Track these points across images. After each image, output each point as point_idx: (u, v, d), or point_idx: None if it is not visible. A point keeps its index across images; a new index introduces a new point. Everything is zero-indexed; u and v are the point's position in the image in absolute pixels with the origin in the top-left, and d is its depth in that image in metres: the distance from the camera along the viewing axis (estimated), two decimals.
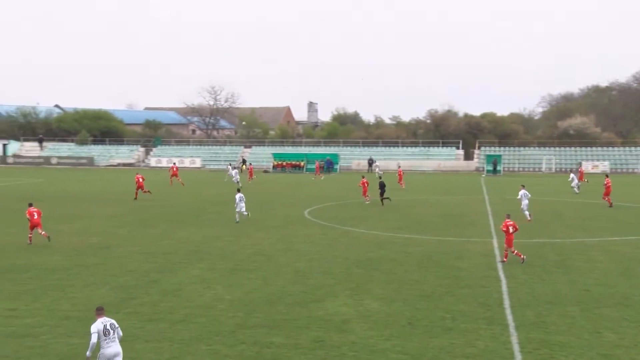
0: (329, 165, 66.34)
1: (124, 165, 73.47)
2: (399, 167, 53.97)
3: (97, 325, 10.15)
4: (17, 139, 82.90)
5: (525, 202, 29.45)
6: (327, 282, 17.29)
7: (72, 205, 34.46)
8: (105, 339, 10.13)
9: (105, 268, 19.03)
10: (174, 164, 55.49)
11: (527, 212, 29.05)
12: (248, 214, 28.80)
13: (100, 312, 10.44)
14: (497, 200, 38.23)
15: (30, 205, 23.84)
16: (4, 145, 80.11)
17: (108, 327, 10.19)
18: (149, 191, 38.89)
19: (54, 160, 74.91)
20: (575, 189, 42.44)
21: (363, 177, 38.16)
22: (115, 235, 24.84)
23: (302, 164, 64.26)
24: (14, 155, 77.19)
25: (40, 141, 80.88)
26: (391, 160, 70.89)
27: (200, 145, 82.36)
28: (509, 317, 14.13)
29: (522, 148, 72.77)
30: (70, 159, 75.89)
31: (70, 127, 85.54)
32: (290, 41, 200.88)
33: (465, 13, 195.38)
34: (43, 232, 22.93)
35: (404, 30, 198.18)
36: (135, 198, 38.00)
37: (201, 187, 46.67)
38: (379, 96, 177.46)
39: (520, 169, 68.87)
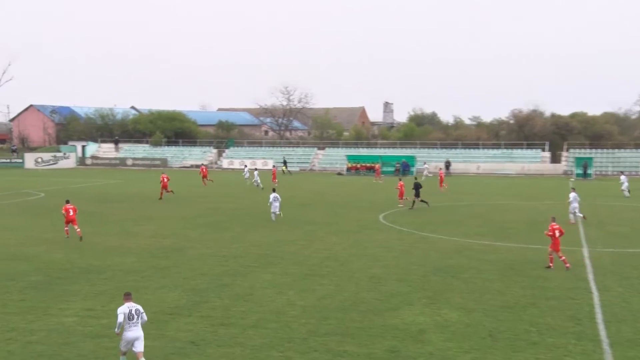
0: (404, 167, 65.62)
1: (197, 166, 75.57)
2: (440, 169, 54.79)
3: (122, 309, 11.50)
4: (95, 141, 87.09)
5: (574, 205, 29.39)
6: (403, 290, 17.09)
7: (146, 207, 35.82)
8: (129, 323, 11.39)
9: (178, 270, 19.64)
10: (203, 164, 58.84)
11: (577, 215, 29.24)
12: (281, 214, 30.07)
13: (127, 297, 11.85)
14: (588, 205, 36.59)
15: (67, 202, 26.07)
16: (83, 146, 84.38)
17: (133, 312, 11.49)
18: (172, 191, 40.43)
19: (129, 162, 78.11)
20: (626, 192, 41.98)
21: (400, 180, 38.82)
22: (188, 238, 25.60)
23: (377, 166, 63.97)
24: (92, 157, 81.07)
25: (117, 142, 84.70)
26: (470, 163, 69.31)
27: (273, 146, 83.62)
28: (602, 333, 13.46)
29: (616, 150, 69.36)
30: (144, 160, 78.90)
31: (145, 128, 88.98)
32: (365, 40, 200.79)
33: (555, 5, 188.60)
34: (78, 230, 24.75)
35: (485, 25, 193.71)
36: (160, 198, 39.54)
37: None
38: (458, 95, 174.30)
39: (615, 173, 65.63)
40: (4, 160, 75.79)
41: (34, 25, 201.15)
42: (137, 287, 17.44)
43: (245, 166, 59.53)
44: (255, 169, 51.63)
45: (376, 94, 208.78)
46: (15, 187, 47.71)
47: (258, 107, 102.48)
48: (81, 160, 79.76)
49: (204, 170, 52.71)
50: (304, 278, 18.56)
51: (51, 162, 75.83)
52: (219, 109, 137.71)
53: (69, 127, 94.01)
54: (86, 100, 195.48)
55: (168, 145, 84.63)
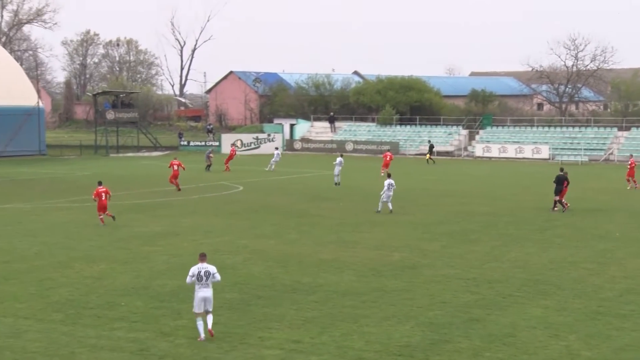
0: None
1: (439, 154, 75.78)
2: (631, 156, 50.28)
3: (193, 270, 16.19)
4: (307, 118, 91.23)
5: None
6: None
7: (369, 208, 36.96)
8: (199, 284, 16.04)
9: (410, 296, 19.99)
10: (234, 145, 67.59)
11: None
12: (391, 210, 33.65)
13: (202, 257, 16.39)
14: None
15: (100, 184, 30.08)
16: (292, 125, 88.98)
17: (202, 273, 16.06)
18: (179, 188, 42.77)
19: (349, 146, 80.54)
20: None
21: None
22: (424, 252, 25.95)
23: None
24: (302, 139, 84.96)
25: (332, 120, 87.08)
26: None
27: (549, 126, 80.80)
28: None
29: None
30: (369, 144, 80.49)
31: (371, 100, 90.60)
32: None
33: None
34: (109, 213, 29.98)
35: None
36: (179, 189, 42.83)
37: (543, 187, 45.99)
38: None
39: None
40: (198, 143, 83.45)
41: None
42: (357, 316, 18.12)
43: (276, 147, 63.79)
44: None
45: None
46: (210, 177, 52.50)
47: (530, 69, 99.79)
48: (289, 144, 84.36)
49: (233, 151, 60.96)
50: (593, 318, 17.93)
51: (252, 146, 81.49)
52: (472, 74, 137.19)
53: (275, 100, 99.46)
54: (298, 65, 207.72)
55: (400, 125, 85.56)
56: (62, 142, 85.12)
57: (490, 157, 73.34)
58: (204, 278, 16.09)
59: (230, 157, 59.50)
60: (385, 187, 34.55)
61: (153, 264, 23.79)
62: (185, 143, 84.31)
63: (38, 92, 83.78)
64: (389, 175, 36.07)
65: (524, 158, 71.48)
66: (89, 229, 30.60)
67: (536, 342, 16.20)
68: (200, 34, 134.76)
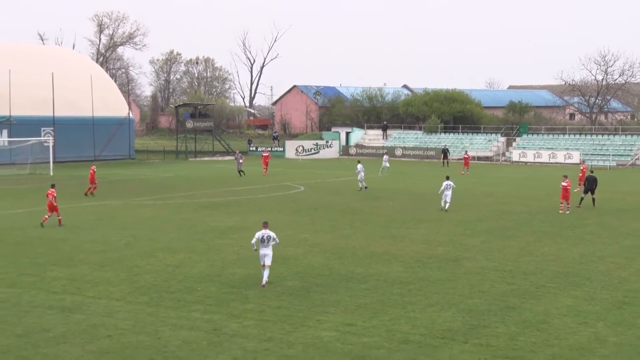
0: None
1: (479, 159, 75.27)
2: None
3: (258, 234, 19.50)
4: (361, 126, 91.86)
5: None
6: None
7: (416, 206, 36.85)
8: (262, 244, 19.42)
9: (452, 285, 19.88)
10: (267, 148, 65.55)
11: None
12: (446, 207, 34.17)
13: (265, 225, 19.78)
14: None
15: (52, 186, 30.22)
16: (347, 133, 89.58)
17: (265, 237, 19.40)
18: (92, 190, 40.86)
19: (398, 152, 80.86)
20: None
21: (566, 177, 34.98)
22: (465, 246, 25.75)
23: None
24: (357, 145, 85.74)
25: (385, 129, 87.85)
26: None
27: (580, 134, 79.46)
28: None
29: None
30: (416, 150, 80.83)
31: (418, 111, 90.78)
32: None
33: None
34: (59, 215, 29.48)
35: None
36: (86, 194, 40.63)
37: (574, 188, 45.22)
38: None
39: None
40: (264, 149, 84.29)
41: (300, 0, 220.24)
42: (403, 302, 18.08)
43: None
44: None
45: None
46: (275, 178, 52.84)
47: (562, 83, 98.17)
48: (344, 149, 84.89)
49: (267, 155, 58.42)
50: (619, 307, 17.64)
51: (312, 151, 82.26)
52: (510, 87, 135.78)
53: (333, 111, 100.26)
54: (354, 79, 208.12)
55: (445, 132, 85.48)
56: (148, 148, 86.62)
57: (525, 162, 72.58)
58: (266, 240, 19.34)
59: (265, 163, 57.34)
60: (443, 187, 34.70)
61: (225, 255, 24.05)
62: (254, 148, 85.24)
63: (129, 104, 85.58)
64: (447, 178, 35.78)
65: (556, 163, 70.43)
66: (171, 223, 31.07)
67: (567, 328, 15.97)
68: (268, 52, 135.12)
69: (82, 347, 14.69)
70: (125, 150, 75.32)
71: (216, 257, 23.58)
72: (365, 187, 44.15)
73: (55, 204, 29.74)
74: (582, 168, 45.29)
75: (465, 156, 60.42)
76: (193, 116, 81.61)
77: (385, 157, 57.05)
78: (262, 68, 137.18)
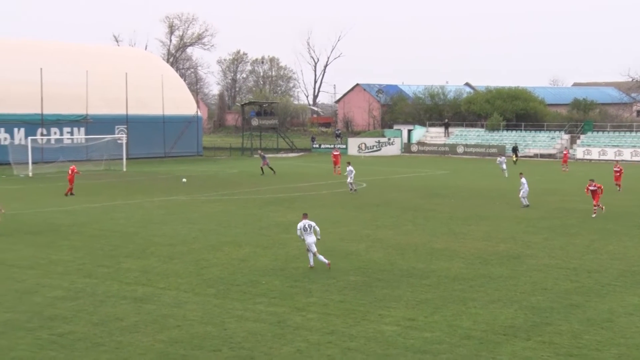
0: None
1: (542, 156, 73.80)
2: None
3: (300, 225, 21.09)
4: (423, 124, 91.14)
5: None
6: None
7: (477, 203, 36.36)
8: (305, 232, 20.92)
9: (514, 282, 19.56)
10: (336, 147, 64.89)
11: None
12: (525, 206, 33.89)
13: (305, 215, 21.44)
14: None
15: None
16: (409, 131, 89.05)
17: (307, 226, 20.94)
18: (71, 193, 39.28)
19: (459, 149, 79.82)
20: None
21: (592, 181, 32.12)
22: (528, 243, 25.29)
23: None
24: (418, 142, 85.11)
25: (447, 126, 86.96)
26: None
27: None
28: None
29: None
30: (477, 147, 79.67)
31: (480, 109, 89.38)
32: None
33: None
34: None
35: None
36: (66, 194, 39.18)
37: None
38: None
39: None
40: (328, 146, 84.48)
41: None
42: (464, 298, 17.88)
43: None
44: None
45: None
46: (338, 175, 52.86)
47: (630, 80, 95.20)
48: (406, 147, 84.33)
49: (336, 154, 56.06)
50: None
51: (374, 149, 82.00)
52: (575, 84, 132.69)
53: (395, 109, 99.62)
54: (416, 77, 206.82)
55: (507, 130, 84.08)
56: (215, 145, 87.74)
57: (590, 160, 70.73)
58: (308, 229, 20.96)
59: (336, 161, 55.59)
60: (522, 185, 34.57)
61: (289, 249, 24.20)
62: (317, 146, 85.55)
63: (197, 103, 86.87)
64: (521, 174, 35.80)
65: (622, 160, 68.27)
66: (237, 218, 31.45)
67: (633, 327, 15.55)
68: (332, 52, 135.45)
69: (153, 337, 15.02)
70: (193, 147, 76.54)
71: (280, 252, 23.76)
72: (355, 190, 40.97)
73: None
74: (618, 169, 43.16)
75: (565, 152, 61.96)
76: (258, 114, 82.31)
77: (502, 158, 54.20)
78: (325, 67, 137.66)
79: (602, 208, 31.73)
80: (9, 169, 52.96)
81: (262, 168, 53.87)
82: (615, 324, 15.76)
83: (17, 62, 63.16)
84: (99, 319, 16.23)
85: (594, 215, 31.20)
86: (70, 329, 15.54)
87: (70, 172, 39.97)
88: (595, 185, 31.70)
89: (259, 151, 59.92)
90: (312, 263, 21.22)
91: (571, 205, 35.30)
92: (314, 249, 20.99)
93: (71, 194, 39.34)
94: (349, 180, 41.30)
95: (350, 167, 41.63)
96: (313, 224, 21.12)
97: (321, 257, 20.98)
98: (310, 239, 20.97)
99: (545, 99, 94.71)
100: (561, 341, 14.64)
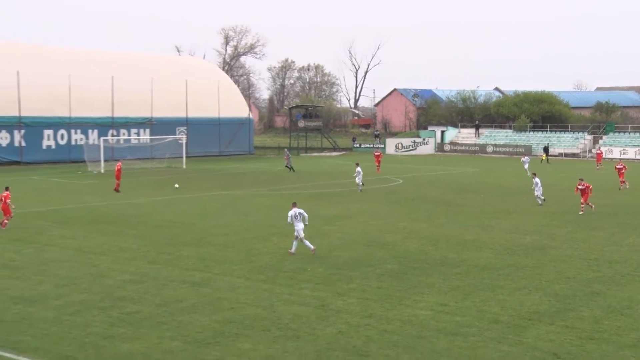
0: None
1: (566, 155, 72.60)
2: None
3: (291, 212, 21.40)
4: (455, 126, 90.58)
5: None
6: None
7: (505, 199, 35.89)
8: (295, 220, 21.21)
9: (539, 272, 19.28)
10: (377, 147, 62.06)
11: None
12: (543, 202, 32.38)
13: (294, 204, 21.71)
14: None
15: (6, 189, 26.15)
16: (442, 132, 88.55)
17: (297, 214, 21.26)
18: (117, 189, 37.68)
19: (489, 149, 79.05)
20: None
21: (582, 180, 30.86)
22: (552, 236, 24.89)
23: None
24: (451, 143, 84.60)
25: (477, 127, 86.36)
26: None
27: None
28: None
29: None
30: (506, 147, 78.78)
31: (509, 112, 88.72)
32: None
33: None
34: (7, 217, 25.57)
35: None
36: (116, 190, 37.70)
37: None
38: None
39: None
40: (368, 145, 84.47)
41: (407, 7, 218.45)
42: (493, 286, 17.70)
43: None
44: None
45: None
46: (376, 172, 52.74)
47: None
48: (439, 146, 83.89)
49: (378, 155, 53.89)
50: None
51: (410, 148, 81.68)
52: (598, 88, 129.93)
53: (429, 111, 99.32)
54: (449, 82, 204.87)
55: (533, 131, 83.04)
56: (265, 145, 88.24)
57: (612, 159, 69.20)
58: (298, 217, 21.23)
59: (378, 161, 53.82)
60: (535, 183, 33.08)
61: (331, 240, 24.24)
62: (358, 145, 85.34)
63: (249, 106, 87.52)
64: (534, 174, 34.57)
65: (633, 159, 66.76)
66: (284, 211, 31.41)
67: None
68: (371, 59, 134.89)
69: (209, 317, 15.22)
70: (245, 147, 77.08)
71: (323, 242, 23.80)
72: (361, 190, 39.06)
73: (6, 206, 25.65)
74: (621, 166, 41.94)
75: (599, 152, 61.35)
76: (304, 116, 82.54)
77: (526, 158, 53.09)
78: (365, 73, 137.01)
79: (592, 206, 30.44)
80: (84, 166, 54.06)
81: (292, 167, 52.90)
82: (635, 311, 15.45)
83: (90, 71, 64.32)
84: (162, 300, 16.51)
85: (581, 213, 29.89)
86: (137, 308, 15.85)
87: (117, 168, 38.52)
88: (584, 185, 30.60)
89: (286, 150, 59.95)
90: (293, 250, 21.47)
91: (593, 201, 34.51)
92: (302, 234, 21.28)
93: (116, 190, 37.65)
94: (357, 180, 39.56)
95: (358, 168, 40.12)
96: (302, 211, 21.43)
97: (307, 243, 21.24)
98: (300, 226, 21.27)
99: (569, 102, 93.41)
100: (583, 326, 14.41)
